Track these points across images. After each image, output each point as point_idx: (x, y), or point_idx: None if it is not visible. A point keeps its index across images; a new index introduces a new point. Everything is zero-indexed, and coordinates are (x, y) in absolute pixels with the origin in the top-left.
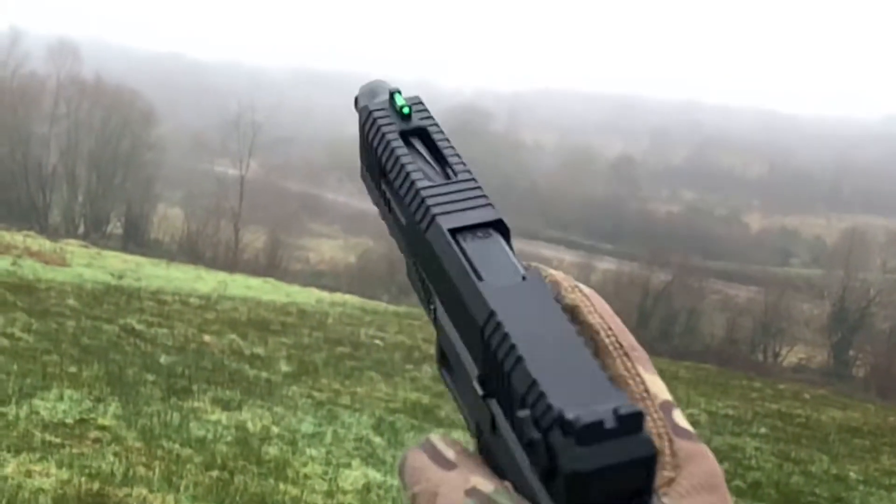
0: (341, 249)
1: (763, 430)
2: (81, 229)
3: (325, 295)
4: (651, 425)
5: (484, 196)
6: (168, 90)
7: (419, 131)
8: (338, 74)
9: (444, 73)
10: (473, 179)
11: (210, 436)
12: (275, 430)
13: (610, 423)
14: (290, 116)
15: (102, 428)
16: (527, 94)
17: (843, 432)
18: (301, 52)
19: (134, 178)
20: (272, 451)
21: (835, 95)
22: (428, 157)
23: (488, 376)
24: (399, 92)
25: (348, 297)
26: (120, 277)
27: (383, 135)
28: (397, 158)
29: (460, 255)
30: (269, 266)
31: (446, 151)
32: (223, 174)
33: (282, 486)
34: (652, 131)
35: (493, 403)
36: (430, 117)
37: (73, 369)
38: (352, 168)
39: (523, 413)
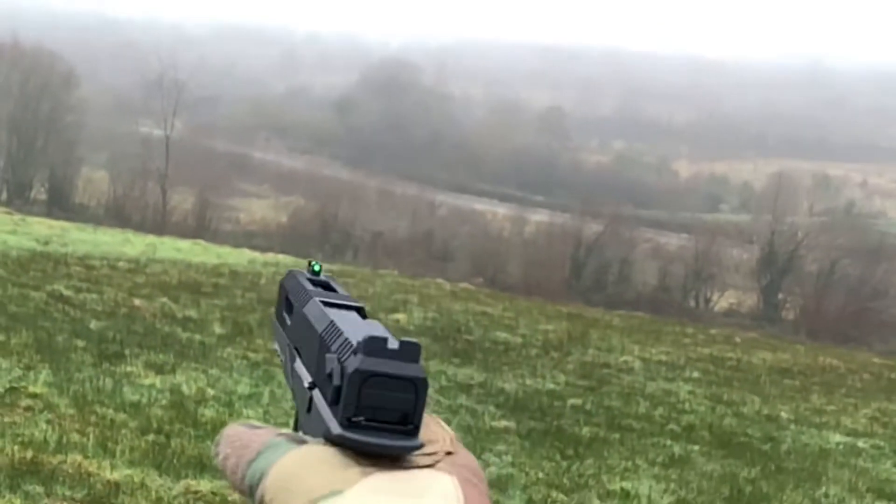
0: (272, 209)
1: (696, 374)
2: (4, 195)
3: (258, 255)
4: (441, 431)
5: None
6: (87, 49)
7: (323, 282)
8: (261, 29)
9: (368, 25)
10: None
11: (144, 400)
12: (210, 392)
13: (392, 345)
14: (213, 74)
15: (34, 396)
16: (454, 46)
17: (774, 374)
18: (223, 6)
19: (56, 142)
20: (208, 413)
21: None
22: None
23: (316, 376)
24: (317, 262)
25: (281, 257)
26: (46, 243)
27: (296, 278)
28: (301, 286)
29: (320, 306)
30: (199, 228)
31: (341, 291)
32: (148, 135)
33: None
34: (579, 81)
35: (315, 392)
36: (334, 278)
37: (1, 338)
38: (279, 127)
39: (330, 355)
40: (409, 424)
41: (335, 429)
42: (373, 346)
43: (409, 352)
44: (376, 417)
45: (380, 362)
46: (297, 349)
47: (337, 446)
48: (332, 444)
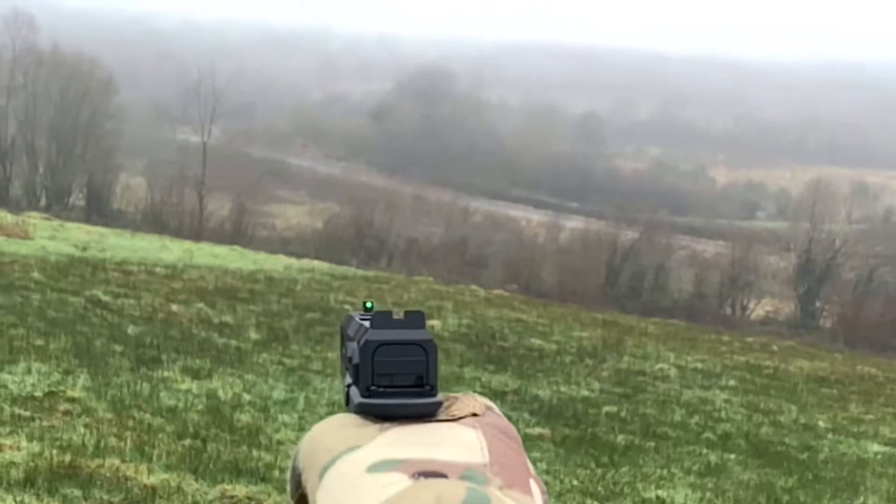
0: (308, 215)
1: (732, 382)
2: (43, 201)
3: (293, 261)
4: (472, 401)
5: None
6: (127, 57)
7: (366, 316)
8: (299, 36)
9: (406, 32)
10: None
11: (181, 405)
12: (246, 397)
13: (398, 317)
14: (251, 81)
15: (72, 400)
16: (491, 53)
17: (811, 382)
18: (262, 13)
19: (95, 149)
20: (244, 418)
21: (800, 44)
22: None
23: (354, 377)
24: (370, 301)
25: (316, 263)
26: (84, 249)
27: (350, 315)
28: (351, 318)
29: (356, 318)
30: (235, 234)
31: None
32: (185, 142)
33: (255, 452)
34: (616, 86)
35: (351, 388)
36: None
37: (39, 342)
38: (316, 133)
39: (350, 343)
40: (425, 385)
41: (356, 398)
42: (380, 320)
43: (415, 320)
44: (393, 383)
45: (388, 332)
46: (347, 369)
47: (362, 415)
48: (358, 415)
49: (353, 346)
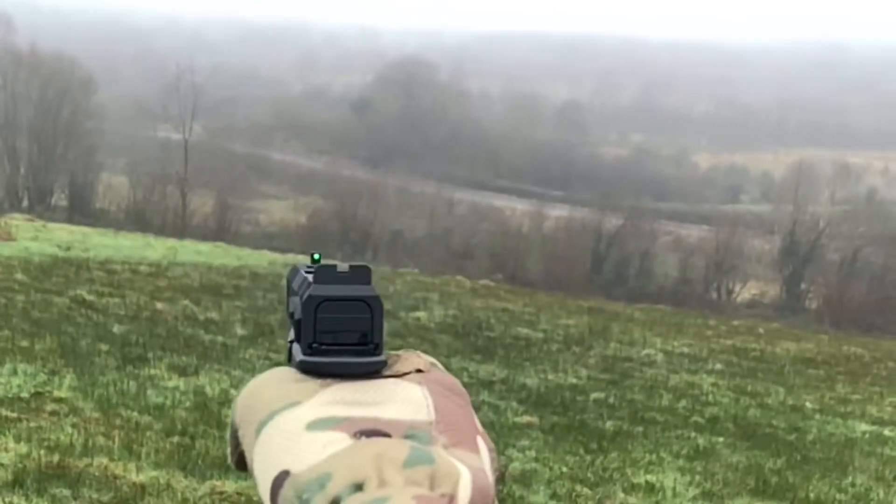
0: (291, 210)
1: (719, 366)
2: (25, 202)
3: (278, 256)
4: (416, 358)
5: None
6: (106, 55)
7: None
8: (278, 30)
9: (385, 24)
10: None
11: (168, 402)
12: (234, 393)
13: (342, 269)
14: (231, 76)
15: (59, 400)
16: (470, 42)
17: (798, 364)
18: (241, 6)
19: (76, 148)
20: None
21: (779, 26)
22: None
23: (297, 333)
24: (317, 253)
25: (301, 258)
26: (67, 249)
27: (297, 267)
28: (297, 270)
29: (301, 271)
30: (219, 230)
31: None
32: (166, 139)
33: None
34: (597, 73)
35: (294, 344)
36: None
37: (25, 343)
38: (297, 127)
39: (293, 297)
40: (369, 343)
41: (298, 355)
42: (323, 274)
43: (360, 275)
44: (337, 341)
45: (331, 287)
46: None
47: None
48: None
49: (295, 301)
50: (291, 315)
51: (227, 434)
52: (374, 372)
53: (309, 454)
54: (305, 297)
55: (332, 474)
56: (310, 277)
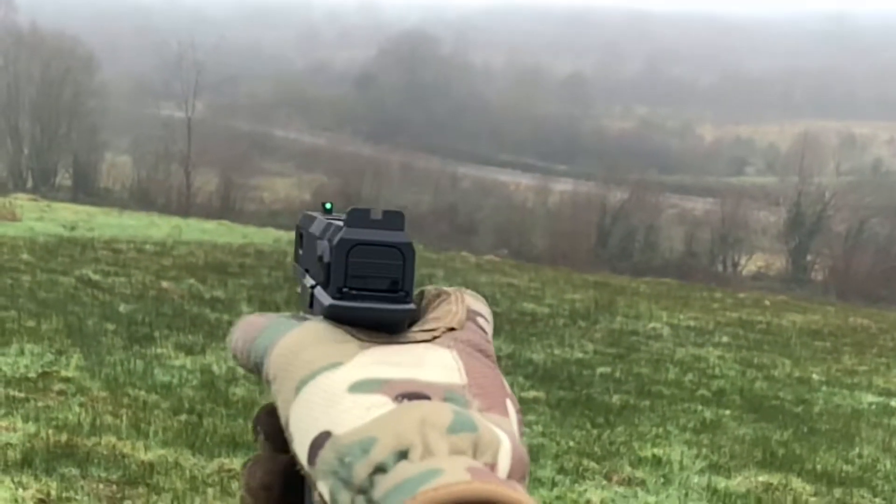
0: (295, 187)
1: (725, 338)
2: (30, 183)
3: (283, 234)
4: (451, 308)
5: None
6: (107, 33)
7: (336, 217)
8: (280, 6)
9: None
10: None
11: (175, 381)
12: (240, 371)
13: (376, 216)
14: (233, 54)
15: (66, 380)
16: (473, 15)
17: (804, 336)
18: None
19: (79, 128)
20: (239, 391)
21: None
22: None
23: (325, 277)
24: (330, 203)
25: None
26: (72, 229)
27: (307, 214)
28: (310, 216)
29: (322, 219)
30: (223, 208)
31: None
32: (169, 117)
33: (251, 425)
34: (601, 45)
35: (317, 289)
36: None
37: (31, 324)
38: (300, 104)
39: (321, 241)
40: (399, 291)
41: (326, 300)
42: (356, 217)
43: (394, 220)
44: (366, 287)
45: (364, 231)
46: (306, 270)
47: (333, 321)
48: (329, 320)
49: (324, 245)
50: (320, 258)
51: (255, 375)
52: (403, 320)
53: (352, 416)
54: (337, 240)
55: (377, 439)
56: (338, 222)
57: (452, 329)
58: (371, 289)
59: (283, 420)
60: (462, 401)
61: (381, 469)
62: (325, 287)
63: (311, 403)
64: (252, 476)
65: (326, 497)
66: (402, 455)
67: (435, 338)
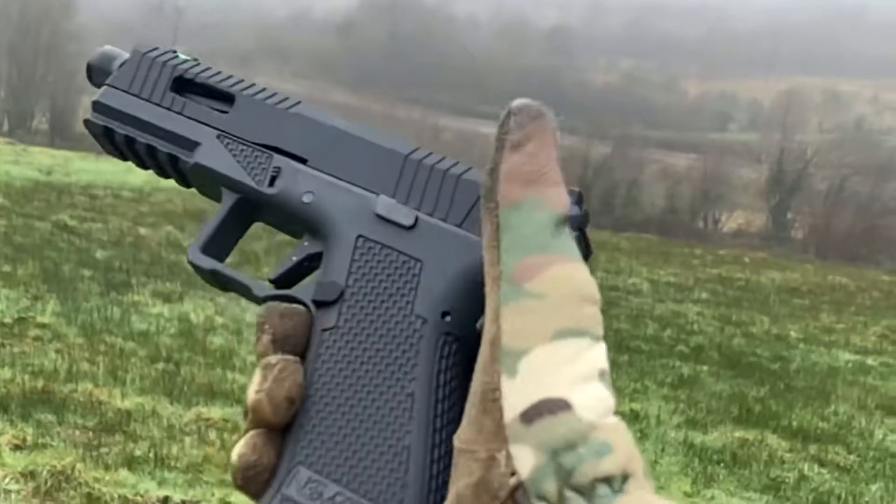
0: None
1: (704, 295)
2: (6, 126)
3: None
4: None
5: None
6: None
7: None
8: None
9: None
10: None
11: (153, 329)
12: (219, 320)
13: None
14: (214, 1)
15: (42, 326)
16: None
17: (783, 293)
18: None
19: (57, 71)
20: (217, 340)
21: None
22: None
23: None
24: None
25: None
26: (49, 173)
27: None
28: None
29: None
30: None
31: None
32: None
33: (229, 374)
34: None
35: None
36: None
37: (6, 268)
38: (281, 52)
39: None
40: None
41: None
42: None
43: None
44: None
45: None
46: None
47: None
48: None
49: None
50: None
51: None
52: None
53: (597, 406)
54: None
55: (614, 450)
56: None
57: None
58: None
59: (492, 318)
60: None
61: (606, 481)
62: None
63: (562, 357)
64: (279, 384)
65: (524, 465)
66: (625, 478)
67: None
